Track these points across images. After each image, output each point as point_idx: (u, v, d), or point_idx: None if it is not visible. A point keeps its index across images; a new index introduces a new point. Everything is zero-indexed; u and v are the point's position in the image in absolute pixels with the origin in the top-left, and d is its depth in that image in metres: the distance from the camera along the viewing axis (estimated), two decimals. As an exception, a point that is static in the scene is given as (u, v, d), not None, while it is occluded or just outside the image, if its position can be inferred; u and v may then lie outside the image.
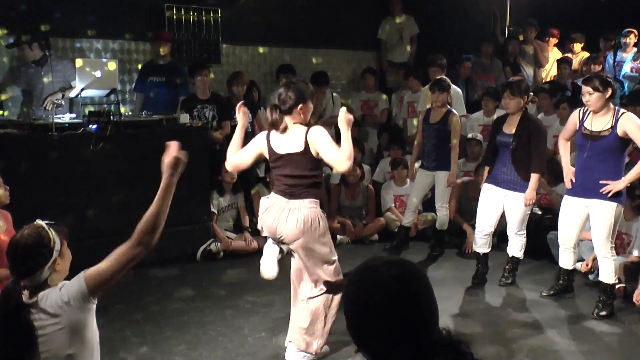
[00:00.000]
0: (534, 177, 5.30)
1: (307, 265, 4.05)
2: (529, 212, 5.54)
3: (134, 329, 4.64)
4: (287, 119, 4.02)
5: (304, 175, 3.98)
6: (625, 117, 4.75)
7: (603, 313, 4.88)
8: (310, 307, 4.10)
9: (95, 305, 2.51)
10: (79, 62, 5.89)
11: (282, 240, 4.02)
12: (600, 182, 4.80)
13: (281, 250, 4.11)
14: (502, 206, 5.51)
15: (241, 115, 4.16)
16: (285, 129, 4.03)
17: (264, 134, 4.16)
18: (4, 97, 6.46)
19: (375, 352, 1.57)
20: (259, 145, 4.14)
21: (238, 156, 4.19)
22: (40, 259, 2.46)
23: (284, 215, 3.96)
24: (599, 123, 4.85)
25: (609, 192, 4.76)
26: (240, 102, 4.26)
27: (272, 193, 4.08)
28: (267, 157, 4.12)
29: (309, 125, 4.03)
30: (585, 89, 4.83)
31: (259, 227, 4.22)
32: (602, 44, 8.53)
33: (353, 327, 1.60)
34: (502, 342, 4.50)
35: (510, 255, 5.65)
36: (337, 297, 4.08)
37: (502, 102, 5.54)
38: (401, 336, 1.53)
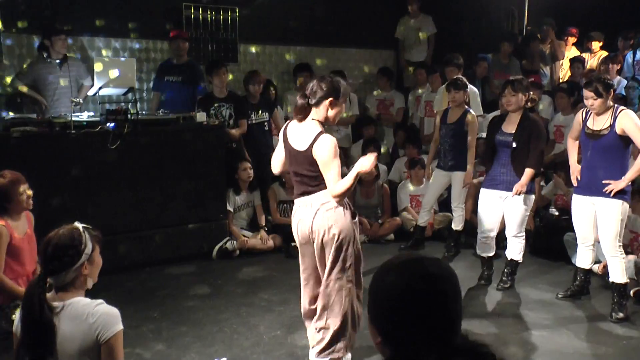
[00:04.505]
0: (528, 171, 5.22)
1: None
2: (528, 213, 5.44)
3: (150, 325, 4.68)
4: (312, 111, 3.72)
5: (306, 175, 3.72)
6: (622, 115, 4.75)
7: (620, 315, 4.84)
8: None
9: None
10: (97, 60, 5.94)
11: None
12: (604, 181, 4.79)
13: None
14: (501, 209, 5.43)
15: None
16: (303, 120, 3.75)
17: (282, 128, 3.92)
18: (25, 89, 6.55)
19: (398, 345, 1.57)
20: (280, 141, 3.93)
21: (275, 160, 4.02)
22: (67, 260, 2.48)
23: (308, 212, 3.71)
24: (599, 122, 4.85)
25: (612, 190, 4.75)
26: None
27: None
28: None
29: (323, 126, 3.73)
30: (588, 93, 4.80)
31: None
32: (620, 42, 8.48)
33: (380, 318, 1.61)
34: (517, 343, 4.49)
35: (509, 259, 5.54)
36: None
37: (503, 99, 5.40)
38: (425, 333, 1.54)
